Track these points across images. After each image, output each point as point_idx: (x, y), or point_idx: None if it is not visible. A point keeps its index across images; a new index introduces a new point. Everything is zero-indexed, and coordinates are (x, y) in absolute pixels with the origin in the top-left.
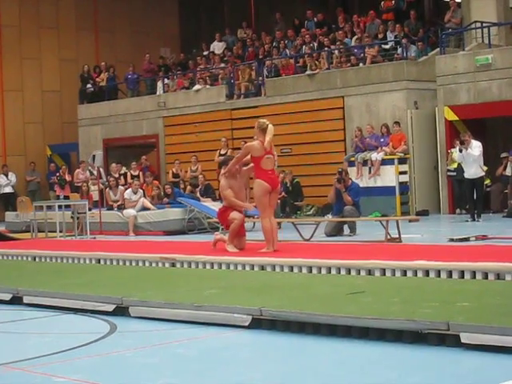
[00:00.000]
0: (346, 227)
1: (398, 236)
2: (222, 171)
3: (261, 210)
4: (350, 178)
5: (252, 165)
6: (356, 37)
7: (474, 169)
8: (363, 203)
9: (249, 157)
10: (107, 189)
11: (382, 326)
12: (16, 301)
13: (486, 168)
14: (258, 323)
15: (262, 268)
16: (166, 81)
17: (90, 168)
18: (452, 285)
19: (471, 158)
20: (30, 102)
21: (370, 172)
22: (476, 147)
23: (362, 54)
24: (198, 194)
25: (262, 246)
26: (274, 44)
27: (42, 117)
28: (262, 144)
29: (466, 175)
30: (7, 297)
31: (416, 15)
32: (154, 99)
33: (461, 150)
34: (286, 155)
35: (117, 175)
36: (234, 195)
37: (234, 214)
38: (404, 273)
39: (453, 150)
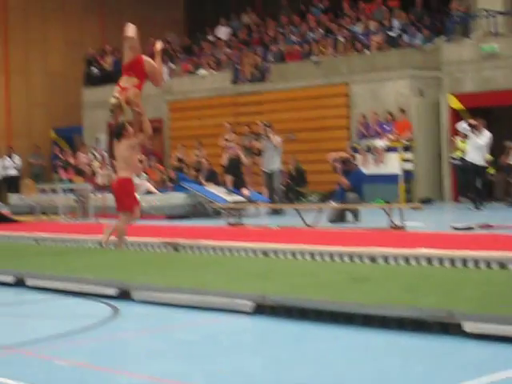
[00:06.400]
0: (349, 214)
1: (401, 224)
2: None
3: None
4: (356, 165)
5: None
6: (362, 23)
7: (476, 156)
8: (366, 190)
9: None
10: (111, 172)
11: (384, 314)
12: (19, 283)
13: (490, 157)
14: (260, 309)
15: (265, 254)
16: (171, 65)
17: (93, 151)
18: (455, 273)
19: (476, 145)
20: (35, 84)
21: (374, 159)
22: (484, 136)
23: (368, 41)
24: (202, 179)
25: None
26: (280, 29)
27: (46, 99)
28: None
29: (466, 157)
30: (10, 279)
31: (422, 2)
32: None
33: (472, 132)
34: (290, 141)
35: None
36: None
37: None
38: (407, 261)
39: (457, 137)
